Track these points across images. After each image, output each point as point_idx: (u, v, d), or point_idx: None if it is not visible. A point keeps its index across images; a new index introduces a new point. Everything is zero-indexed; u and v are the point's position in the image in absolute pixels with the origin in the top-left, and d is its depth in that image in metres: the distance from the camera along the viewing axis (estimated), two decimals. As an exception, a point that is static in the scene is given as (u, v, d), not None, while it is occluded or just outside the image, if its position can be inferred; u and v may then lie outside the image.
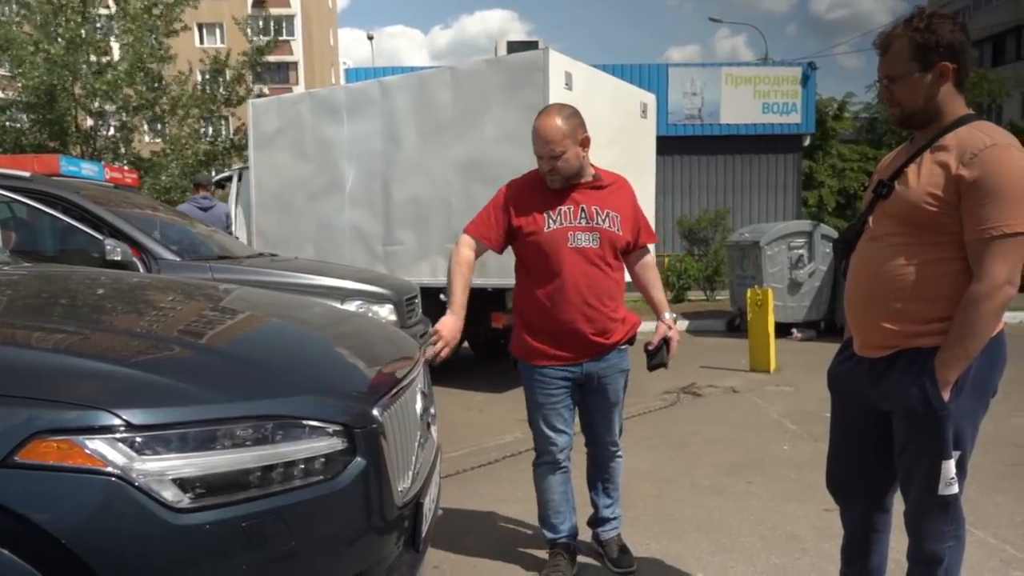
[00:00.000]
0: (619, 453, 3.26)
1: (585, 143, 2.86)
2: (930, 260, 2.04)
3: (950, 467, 2.09)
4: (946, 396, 2.05)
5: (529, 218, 2.89)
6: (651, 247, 3.23)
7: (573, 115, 2.86)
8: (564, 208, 2.90)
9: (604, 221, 2.92)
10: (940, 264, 2.04)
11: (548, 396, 2.99)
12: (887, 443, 2.26)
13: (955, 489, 2.12)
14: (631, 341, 3.07)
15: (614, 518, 3.33)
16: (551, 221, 2.88)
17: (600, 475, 3.28)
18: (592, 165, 3.01)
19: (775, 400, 6.57)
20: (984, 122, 2.08)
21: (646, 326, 3.05)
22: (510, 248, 3.05)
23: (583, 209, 2.91)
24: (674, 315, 3.04)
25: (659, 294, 3.14)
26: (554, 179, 2.88)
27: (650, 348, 2.99)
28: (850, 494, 2.46)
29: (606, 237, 2.92)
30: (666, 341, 3.00)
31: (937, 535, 2.17)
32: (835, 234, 10.55)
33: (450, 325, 2.79)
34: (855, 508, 2.47)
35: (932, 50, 2.03)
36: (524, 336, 3.01)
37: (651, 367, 3.01)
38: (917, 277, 2.06)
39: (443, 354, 2.73)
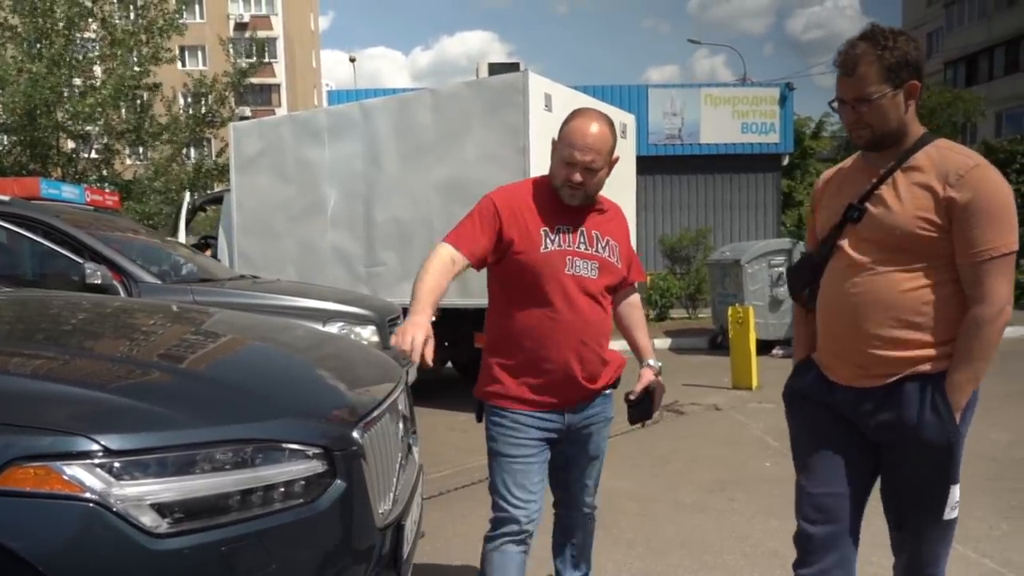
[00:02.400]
0: (593, 516, 2.78)
1: (614, 164, 2.49)
2: (926, 284, 1.99)
3: (956, 491, 2.05)
4: (957, 418, 2.01)
5: (523, 233, 2.40)
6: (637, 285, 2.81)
7: (614, 128, 2.47)
8: (563, 228, 2.44)
9: (604, 250, 2.50)
10: (936, 288, 1.99)
11: (521, 447, 2.44)
12: (860, 467, 2.16)
13: (957, 512, 2.08)
14: (615, 384, 2.62)
15: None
16: (548, 241, 2.41)
17: (569, 541, 2.78)
18: None
19: (757, 417, 6.61)
20: (944, 140, 2.07)
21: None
22: None
23: (583, 233, 2.47)
24: (658, 362, 2.65)
25: (644, 338, 2.71)
26: (575, 195, 2.41)
27: (632, 399, 2.59)
28: (836, 520, 2.15)
29: (605, 268, 2.49)
30: (650, 392, 2.59)
31: (935, 559, 2.14)
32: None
33: (418, 322, 2.16)
34: (837, 543, 2.16)
35: (903, 68, 1.98)
36: (497, 373, 2.47)
37: (633, 420, 2.62)
38: (916, 302, 2.00)
39: (428, 354, 2.11)
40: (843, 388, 2.13)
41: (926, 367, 2.01)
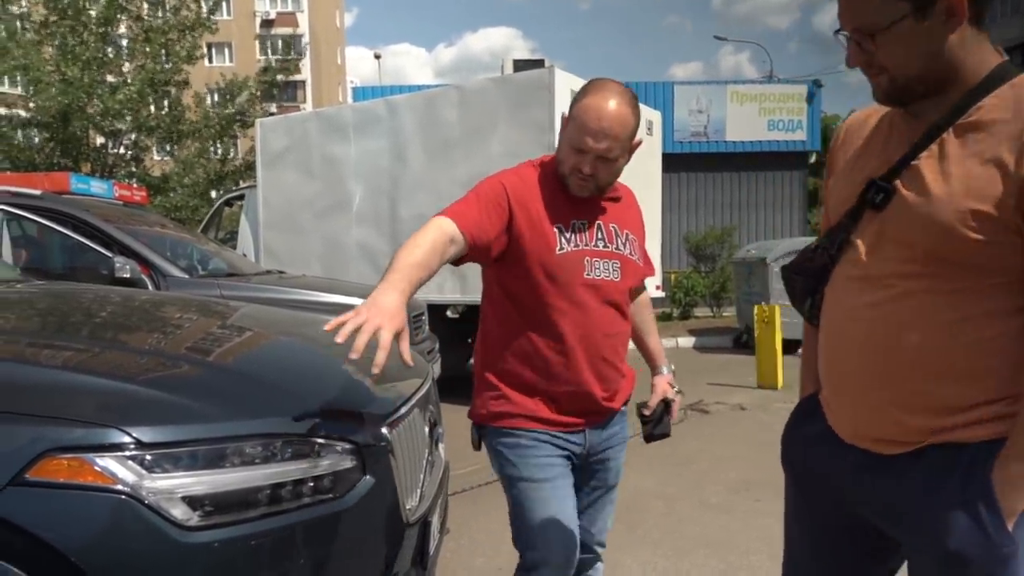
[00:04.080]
0: (601, 559, 2.28)
1: (635, 149, 2.04)
2: (971, 316, 1.27)
3: None
4: (1010, 525, 1.26)
5: (536, 230, 1.97)
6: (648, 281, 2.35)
7: (637, 107, 1.98)
8: (577, 223, 2.02)
9: (625, 246, 2.09)
10: (987, 321, 1.27)
11: (548, 467, 2.01)
12: (866, 561, 1.54)
13: None
14: (627, 400, 2.24)
15: None
16: (564, 240, 1.98)
17: None
18: None
19: (783, 417, 6.45)
20: None
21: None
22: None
23: (600, 228, 2.05)
24: (672, 368, 2.31)
25: (656, 342, 2.34)
26: (585, 186, 1.98)
27: (647, 413, 2.23)
28: None
29: (627, 268, 2.08)
30: (666, 404, 2.24)
31: None
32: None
33: (387, 305, 1.58)
34: None
35: None
36: (505, 391, 2.04)
37: (650, 438, 2.24)
38: (952, 344, 1.28)
39: (403, 351, 1.57)
40: (846, 447, 1.44)
41: (965, 434, 1.29)
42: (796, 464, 1.62)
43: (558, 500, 2.00)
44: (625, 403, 2.21)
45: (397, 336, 1.54)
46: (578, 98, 1.96)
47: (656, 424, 2.23)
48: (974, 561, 1.26)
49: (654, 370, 2.31)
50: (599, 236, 2.04)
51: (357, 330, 1.48)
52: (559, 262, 1.97)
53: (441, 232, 1.83)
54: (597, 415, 2.09)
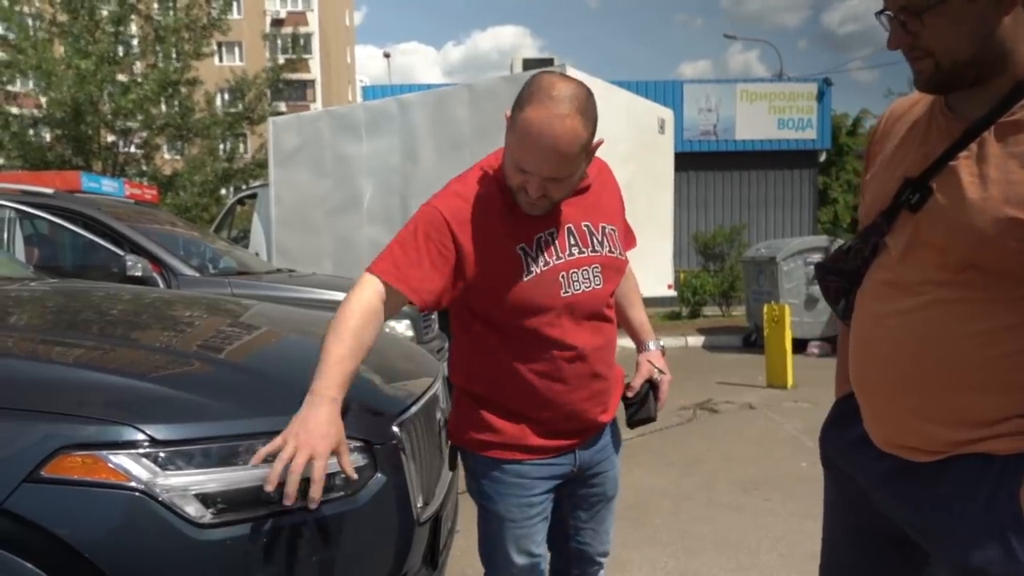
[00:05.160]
0: (603, 570, 2.12)
1: (595, 151, 1.72)
2: (1004, 327, 1.21)
3: None
4: None
5: (494, 257, 1.72)
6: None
7: (591, 110, 1.64)
8: (543, 236, 1.76)
9: (602, 243, 1.84)
10: (1022, 333, 1.21)
11: (527, 508, 1.85)
12: (901, 565, 1.50)
13: None
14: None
15: None
16: (530, 261, 1.74)
17: None
18: None
19: (793, 416, 6.52)
20: None
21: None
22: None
23: (571, 232, 1.80)
24: (661, 343, 2.08)
25: (641, 313, 2.11)
26: (536, 206, 1.71)
27: (630, 395, 1.99)
28: None
29: (609, 267, 1.85)
30: (653, 384, 2.02)
31: None
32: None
33: (315, 424, 1.52)
34: None
35: None
36: (486, 416, 1.84)
37: (633, 423, 2.02)
38: (983, 355, 1.23)
39: (346, 467, 1.57)
40: (879, 452, 1.40)
41: (996, 446, 1.23)
42: (832, 465, 1.58)
43: (529, 538, 1.89)
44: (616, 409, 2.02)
45: (335, 452, 1.53)
46: (520, 104, 1.62)
47: (639, 408, 2.00)
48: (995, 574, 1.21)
49: (639, 345, 2.09)
50: (572, 243, 1.79)
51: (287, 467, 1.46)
52: (531, 288, 1.73)
53: (365, 308, 1.64)
54: (589, 432, 1.92)
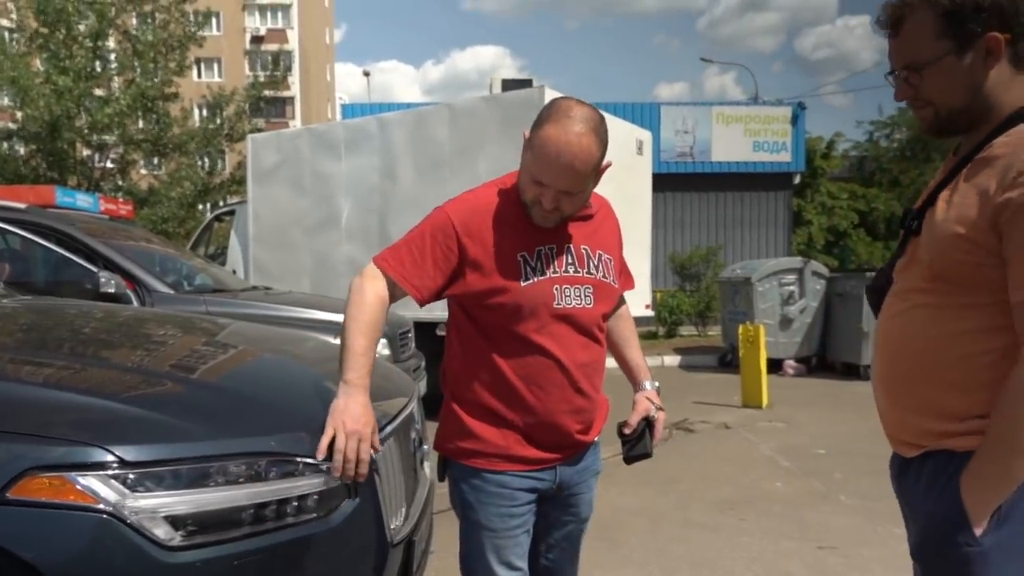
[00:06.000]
0: None
1: (602, 173, 1.88)
2: (966, 331, 1.42)
3: None
4: (979, 529, 1.39)
5: (496, 262, 1.86)
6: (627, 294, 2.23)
7: (603, 133, 1.82)
8: (544, 249, 1.89)
9: (598, 268, 1.96)
10: (979, 337, 1.41)
11: (508, 518, 1.91)
12: None
13: None
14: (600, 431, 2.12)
15: None
16: (529, 269, 1.87)
17: None
18: None
19: (768, 436, 6.56)
20: None
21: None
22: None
23: (570, 251, 1.92)
24: (656, 384, 2.18)
25: (638, 355, 2.20)
26: (548, 218, 1.85)
27: (627, 432, 2.07)
28: None
29: (601, 292, 1.95)
30: (649, 422, 2.09)
31: None
32: (825, 271, 10.62)
33: (356, 411, 1.73)
34: None
35: (970, 15, 1.40)
36: (472, 425, 1.92)
37: (630, 459, 2.09)
38: (949, 355, 1.43)
39: (362, 470, 1.72)
40: (895, 452, 1.63)
41: (956, 443, 1.44)
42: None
43: (510, 549, 1.93)
44: (599, 433, 2.09)
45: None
46: (539, 123, 1.80)
47: (636, 444, 2.08)
48: (936, 549, 1.45)
49: (636, 386, 2.17)
50: (568, 261, 1.91)
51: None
52: (526, 295, 1.85)
53: (374, 299, 1.83)
54: (570, 449, 1.97)
